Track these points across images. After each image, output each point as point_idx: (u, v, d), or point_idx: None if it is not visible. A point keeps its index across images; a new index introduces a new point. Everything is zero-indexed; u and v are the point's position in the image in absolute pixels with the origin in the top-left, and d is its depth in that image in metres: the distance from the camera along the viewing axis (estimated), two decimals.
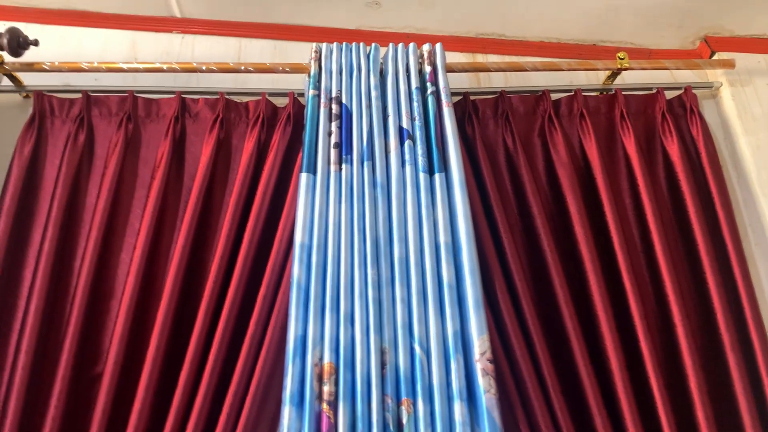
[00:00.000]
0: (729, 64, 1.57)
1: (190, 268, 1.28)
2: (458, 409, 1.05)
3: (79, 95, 1.45)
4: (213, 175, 1.37)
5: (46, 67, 1.44)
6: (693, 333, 1.26)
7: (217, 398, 1.16)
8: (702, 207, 1.39)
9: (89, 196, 1.37)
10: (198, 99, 1.47)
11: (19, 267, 1.31)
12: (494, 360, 1.10)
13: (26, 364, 1.18)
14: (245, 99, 1.48)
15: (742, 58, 1.62)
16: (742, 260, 1.34)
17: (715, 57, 1.67)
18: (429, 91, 1.35)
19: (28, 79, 1.51)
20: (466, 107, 1.46)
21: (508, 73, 1.61)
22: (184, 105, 1.46)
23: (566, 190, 1.37)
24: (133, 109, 1.45)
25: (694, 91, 1.54)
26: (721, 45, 1.68)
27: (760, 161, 1.52)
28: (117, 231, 1.34)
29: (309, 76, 1.39)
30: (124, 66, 1.47)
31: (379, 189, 1.24)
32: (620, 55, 1.51)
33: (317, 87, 1.36)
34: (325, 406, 1.04)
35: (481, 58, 1.64)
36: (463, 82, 1.57)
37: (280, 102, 1.47)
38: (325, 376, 1.06)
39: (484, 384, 1.07)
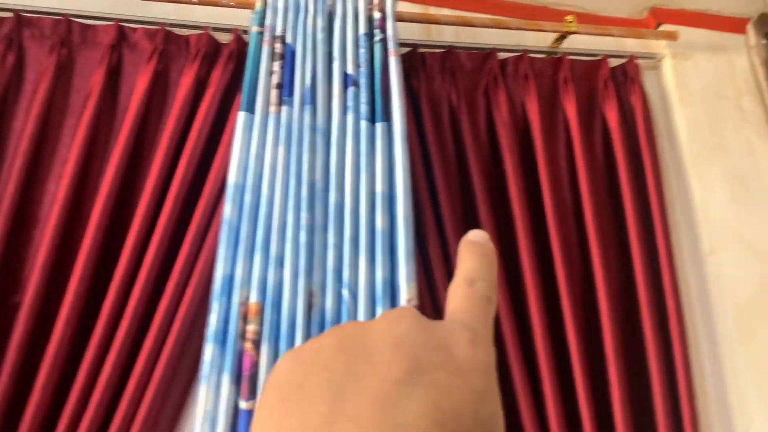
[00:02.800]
0: (672, 36, 1.60)
1: (118, 201, 1.24)
2: None
3: (10, 14, 1.37)
4: (148, 108, 1.32)
5: None
6: (614, 295, 1.32)
7: (139, 333, 1.15)
8: (634, 175, 1.43)
9: (16, 120, 1.30)
10: (137, 28, 1.41)
11: None
12: (420, 306, 1.13)
13: None
14: (187, 32, 1.43)
15: (686, 32, 1.64)
16: (665, 229, 1.39)
17: (661, 28, 1.69)
18: (377, 38, 1.33)
19: None
20: (414, 59, 1.45)
21: (459, 28, 1.60)
22: (122, 34, 1.39)
23: (505, 149, 1.38)
24: (67, 33, 1.37)
25: (637, 60, 1.57)
26: (667, 17, 1.70)
27: (692, 134, 1.57)
28: (44, 159, 1.28)
29: (254, 12, 1.34)
30: None
31: (318, 134, 1.23)
32: (568, 18, 1.52)
33: (261, 24, 1.32)
34: (248, 345, 1.04)
35: (434, 11, 1.62)
36: (413, 33, 1.55)
37: (224, 38, 1.42)
38: (251, 316, 1.06)
39: None
